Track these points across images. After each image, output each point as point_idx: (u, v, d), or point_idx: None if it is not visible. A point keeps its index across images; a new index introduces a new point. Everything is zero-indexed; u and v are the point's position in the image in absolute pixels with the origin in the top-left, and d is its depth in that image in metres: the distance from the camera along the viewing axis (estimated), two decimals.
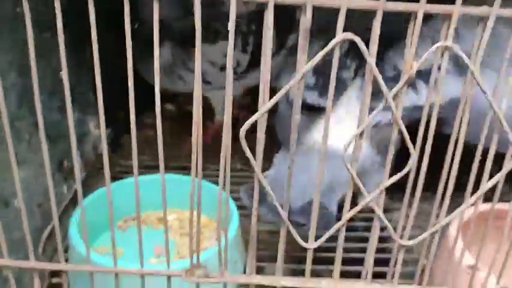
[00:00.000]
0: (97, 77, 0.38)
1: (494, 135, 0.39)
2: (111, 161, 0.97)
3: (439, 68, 0.37)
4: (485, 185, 0.41)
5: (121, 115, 1.05)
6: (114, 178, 0.93)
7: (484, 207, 0.43)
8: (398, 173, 0.39)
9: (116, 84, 0.69)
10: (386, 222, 0.41)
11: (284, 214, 0.41)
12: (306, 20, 0.35)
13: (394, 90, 0.37)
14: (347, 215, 0.41)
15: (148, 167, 0.96)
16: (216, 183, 0.43)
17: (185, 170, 0.97)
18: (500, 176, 0.40)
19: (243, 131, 0.38)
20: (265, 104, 0.37)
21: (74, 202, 0.75)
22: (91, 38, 0.36)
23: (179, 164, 1.00)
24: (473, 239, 0.47)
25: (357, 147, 0.39)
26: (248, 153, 0.39)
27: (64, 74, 0.39)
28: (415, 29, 0.36)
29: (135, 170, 0.42)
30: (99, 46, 0.37)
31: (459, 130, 0.39)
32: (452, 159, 0.40)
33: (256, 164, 0.39)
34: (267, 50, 0.35)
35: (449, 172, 0.40)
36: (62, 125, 0.72)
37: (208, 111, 1.09)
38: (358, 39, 0.35)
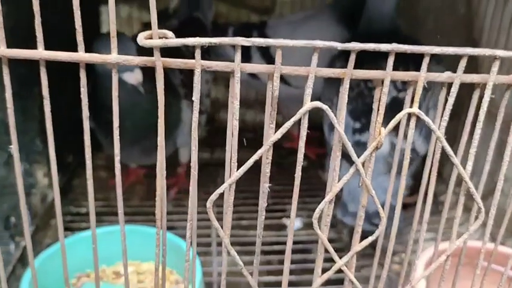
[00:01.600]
0: (48, 126, 0.35)
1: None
2: (62, 211, 0.93)
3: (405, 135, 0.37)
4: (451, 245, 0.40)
5: (69, 158, 1.01)
6: (65, 229, 0.88)
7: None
8: (369, 237, 0.39)
9: (64, 127, 0.65)
10: (358, 285, 0.40)
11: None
12: (274, 89, 0.34)
13: (362, 158, 0.36)
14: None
15: (101, 214, 0.92)
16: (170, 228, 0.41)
17: (137, 215, 0.94)
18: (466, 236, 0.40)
19: (210, 202, 0.36)
20: (231, 177, 0.35)
21: (22, 261, 0.69)
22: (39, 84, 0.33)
23: (131, 210, 0.97)
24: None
25: (326, 214, 0.38)
26: (216, 225, 0.37)
27: (12, 134, 0.36)
28: (381, 96, 0.35)
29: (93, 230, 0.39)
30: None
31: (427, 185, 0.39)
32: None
33: (225, 235, 0.37)
34: (233, 122, 0.34)
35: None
36: (8, 180, 0.67)
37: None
38: (326, 107, 0.34)
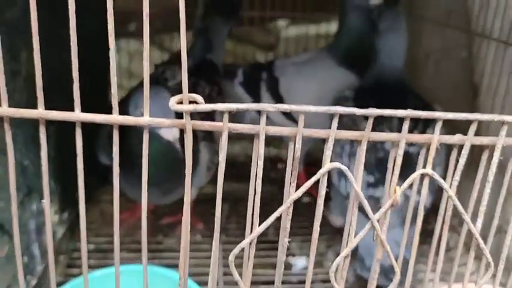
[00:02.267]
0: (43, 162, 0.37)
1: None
2: (68, 246, 0.94)
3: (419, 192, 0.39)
4: None
5: (77, 195, 1.02)
6: (71, 266, 0.89)
7: None
8: None
9: (73, 165, 0.67)
10: None
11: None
12: (296, 149, 0.36)
13: (378, 214, 0.38)
14: None
15: (106, 251, 0.93)
16: None
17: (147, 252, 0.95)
18: None
19: (232, 256, 0.38)
20: (253, 232, 0.37)
21: None
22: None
23: (137, 246, 0.97)
24: None
25: (344, 268, 0.40)
26: (237, 277, 0.38)
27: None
28: (397, 157, 0.37)
29: None
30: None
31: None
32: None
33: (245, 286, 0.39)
34: (257, 181, 0.36)
35: None
36: (22, 220, 0.68)
37: None
38: (344, 168, 0.36)
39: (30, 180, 0.72)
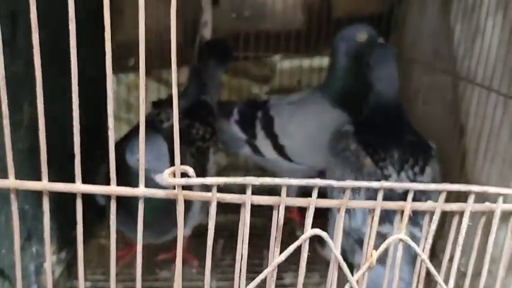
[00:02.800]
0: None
1: None
2: (66, 285, 0.96)
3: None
4: None
5: (74, 233, 1.04)
6: None
7: None
8: None
9: (69, 205, 0.70)
10: None
11: None
12: (279, 218, 0.39)
13: (356, 276, 0.41)
14: None
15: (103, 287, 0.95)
16: None
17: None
18: None
19: None
20: None
21: None
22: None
23: (132, 284, 0.99)
24: None
25: None
26: None
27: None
28: (372, 224, 0.40)
29: None
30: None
31: None
32: None
33: None
34: (242, 247, 0.39)
35: None
36: (22, 264, 0.71)
37: None
38: (325, 235, 0.39)
39: (30, 224, 0.75)
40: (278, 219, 0.39)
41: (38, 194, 0.77)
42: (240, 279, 0.40)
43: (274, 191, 1.27)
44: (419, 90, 1.24)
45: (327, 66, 1.52)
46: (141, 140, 0.38)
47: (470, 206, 0.41)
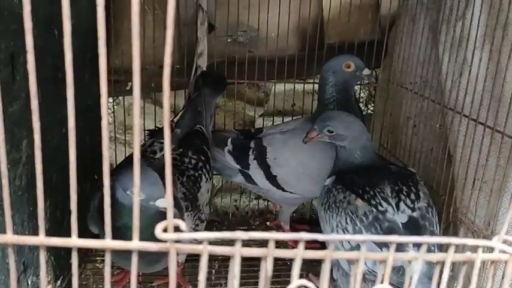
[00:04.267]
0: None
1: None
2: None
3: None
4: None
5: (71, 259, 1.06)
6: None
7: None
8: None
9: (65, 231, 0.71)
10: None
11: None
12: (268, 270, 0.41)
13: None
14: None
15: None
16: None
17: None
18: None
19: None
20: None
21: None
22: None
23: None
24: None
25: None
26: None
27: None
28: (357, 275, 0.42)
29: None
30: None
31: None
32: None
33: None
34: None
35: None
36: None
37: None
38: (312, 285, 0.41)
39: (26, 256, 0.76)
40: (266, 270, 0.41)
41: (34, 226, 0.79)
42: None
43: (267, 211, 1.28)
44: (410, 117, 1.26)
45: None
46: (136, 176, 0.39)
47: (450, 257, 0.43)
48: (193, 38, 1.40)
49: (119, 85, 1.52)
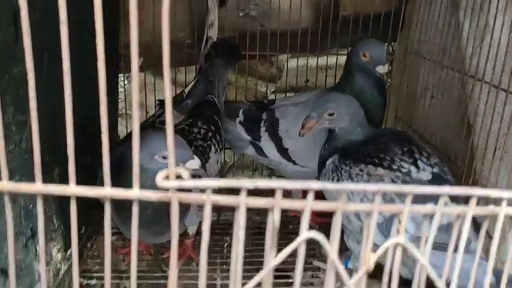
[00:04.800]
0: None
1: None
2: (71, 282, 0.97)
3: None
4: None
5: (82, 230, 1.05)
6: None
7: None
8: None
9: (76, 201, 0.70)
10: None
11: None
12: (275, 221, 0.38)
13: (353, 280, 0.40)
14: None
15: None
16: None
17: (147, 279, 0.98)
18: None
19: None
20: None
21: None
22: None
23: (140, 280, 1.01)
24: None
25: None
26: None
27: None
28: (370, 225, 0.40)
29: None
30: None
31: None
32: None
33: None
34: (238, 248, 0.38)
35: None
36: (25, 262, 0.71)
37: None
38: (321, 237, 0.38)
39: (34, 222, 0.75)
40: (273, 221, 0.38)
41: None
42: (235, 283, 0.40)
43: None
44: (428, 87, 1.22)
45: (333, 65, 1.51)
46: (135, 141, 0.37)
47: (472, 210, 0.40)
48: (204, 10, 1.37)
49: (129, 62, 1.50)
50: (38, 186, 0.37)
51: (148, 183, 0.74)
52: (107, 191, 0.38)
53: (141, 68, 1.55)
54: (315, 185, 0.37)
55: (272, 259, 0.39)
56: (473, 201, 0.40)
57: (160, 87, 1.53)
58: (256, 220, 1.19)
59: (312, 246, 1.06)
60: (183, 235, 1.06)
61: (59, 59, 0.37)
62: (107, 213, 0.38)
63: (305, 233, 0.39)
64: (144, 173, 0.74)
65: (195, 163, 0.80)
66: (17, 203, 0.68)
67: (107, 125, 0.37)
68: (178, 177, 0.37)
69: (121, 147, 0.86)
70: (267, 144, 1.10)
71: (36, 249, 0.76)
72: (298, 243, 0.39)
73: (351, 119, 0.95)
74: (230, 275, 0.40)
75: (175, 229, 0.38)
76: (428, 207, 0.40)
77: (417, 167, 0.86)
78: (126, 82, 1.64)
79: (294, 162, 1.08)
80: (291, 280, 1.01)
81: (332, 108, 0.94)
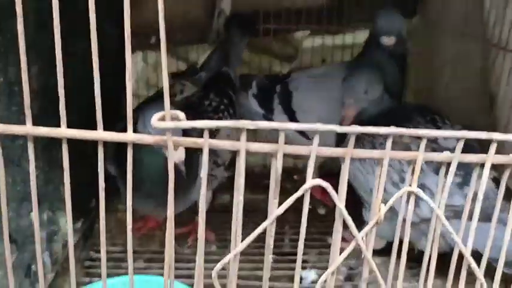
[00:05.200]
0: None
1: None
2: (81, 255, 0.96)
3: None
4: None
5: (92, 203, 1.04)
6: (84, 274, 0.91)
7: None
8: None
9: (87, 174, 0.69)
10: None
11: None
12: (277, 167, 0.36)
13: (363, 232, 0.37)
14: None
15: (119, 260, 0.94)
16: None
17: (154, 262, 0.96)
18: None
19: (215, 272, 0.38)
20: (236, 247, 0.37)
21: None
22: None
23: (149, 256, 0.99)
24: None
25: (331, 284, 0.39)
26: None
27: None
28: (381, 174, 0.37)
29: None
30: None
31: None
32: None
33: None
34: (239, 197, 0.36)
35: None
36: (30, 229, 0.70)
37: None
38: (327, 185, 0.36)
39: (40, 189, 0.74)
40: (276, 168, 0.36)
41: (48, 157, 0.76)
42: (236, 233, 0.37)
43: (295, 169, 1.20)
44: (447, 61, 1.18)
45: (350, 44, 1.47)
46: (128, 81, 0.35)
47: (491, 157, 0.37)
48: None
49: (143, 39, 1.48)
50: (28, 128, 0.35)
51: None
52: (100, 134, 0.36)
53: (153, 47, 1.53)
54: (321, 127, 0.34)
55: (275, 208, 0.37)
56: (493, 147, 0.37)
57: (169, 64, 1.50)
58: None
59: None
60: (195, 212, 1.04)
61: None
62: (100, 155, 0.36)
63: (310, 180, 0.36)
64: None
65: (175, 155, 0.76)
66: (22, 166, 0.67)
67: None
68: (174, 118, 0.35)
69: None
70: (280, 118, 1.07)
71: (43, 218, 0.75)
72: (304, 191, 0.36)
73: (380, 95, 0.95)
74: (232, 225, 0.38)
75: (171, 177, 0.36)
76: (445, 155, 0.37)
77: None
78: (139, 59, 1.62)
79: (308, 137, 1.05)
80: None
81: (364, 87, 0.93)
